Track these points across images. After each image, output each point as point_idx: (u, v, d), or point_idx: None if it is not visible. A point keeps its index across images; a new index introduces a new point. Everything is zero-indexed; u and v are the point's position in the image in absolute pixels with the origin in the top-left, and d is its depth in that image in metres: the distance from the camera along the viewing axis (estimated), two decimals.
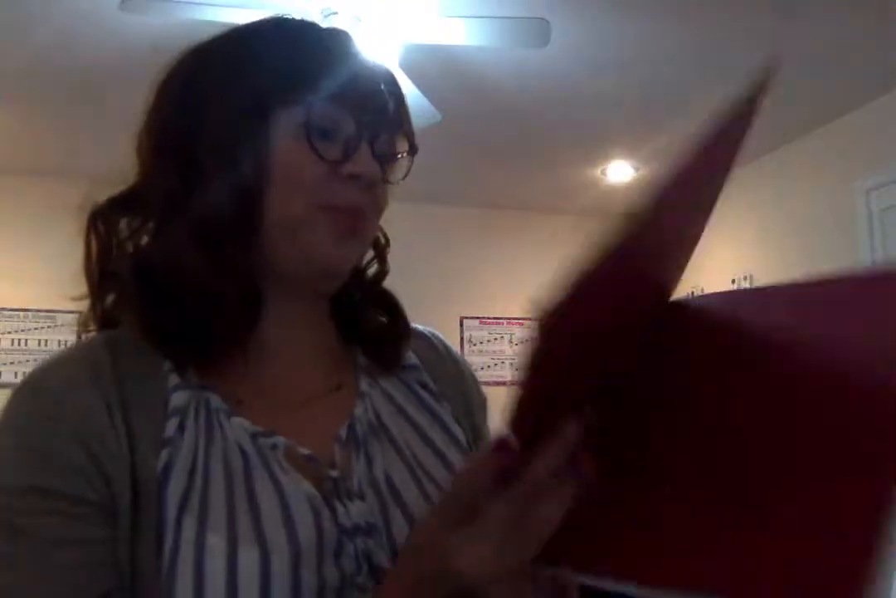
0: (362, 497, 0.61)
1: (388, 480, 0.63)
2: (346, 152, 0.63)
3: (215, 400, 0.62)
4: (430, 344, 0.79)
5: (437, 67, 3.05)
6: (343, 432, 0.64)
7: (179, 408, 0.59)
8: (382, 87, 0.66)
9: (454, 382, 0.76)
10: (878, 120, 3.45)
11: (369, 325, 0.73)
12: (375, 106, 0.65)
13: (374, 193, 0.65)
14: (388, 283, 0.75)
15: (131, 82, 3.21)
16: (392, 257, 0.75)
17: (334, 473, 0.61)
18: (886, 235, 3.41)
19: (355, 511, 0.60)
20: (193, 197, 0.61)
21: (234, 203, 0.61)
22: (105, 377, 0.58)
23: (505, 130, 3.79)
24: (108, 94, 3.27)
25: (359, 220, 0.64)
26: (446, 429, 0.71)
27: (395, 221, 0.76)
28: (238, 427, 0.61)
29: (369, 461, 0.64)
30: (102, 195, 0.65)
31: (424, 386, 0.73)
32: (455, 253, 4.96)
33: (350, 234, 0.64)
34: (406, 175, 0.69)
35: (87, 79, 3.20)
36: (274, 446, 0.61)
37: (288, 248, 0.63)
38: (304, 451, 0.61)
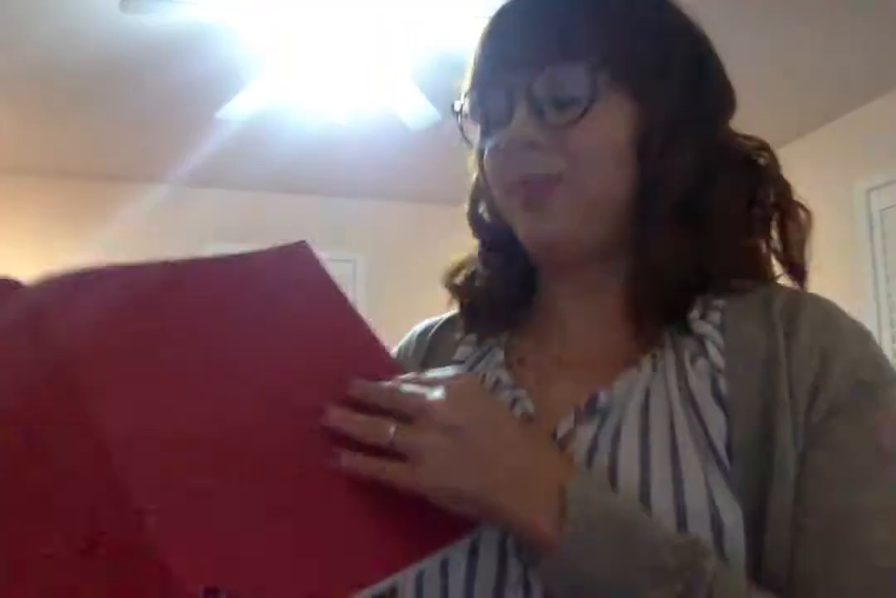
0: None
1: (613, 456, 0.56)
2: (485, 129, 0.64)
3: (498, 354, 0.68)
4: (767, 306, 0.63)
5: (447, 72, 3.05)
6: (583, 403, 0.59)
7: (461, 360, 0.69)
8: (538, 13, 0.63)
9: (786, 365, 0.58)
10: (878, 120, 3.45)
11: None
12: (515, 52, 0.63)
13: (527, 155, 0.60)
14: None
15: (131, 82, 3.23)
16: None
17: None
18: (886, 235, 3.40)
19: None
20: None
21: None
22: (425, 340, 0.74)
23: None
24: (108, 94, 3.27)
25: (530, 188, 0.61)
26: (704, 432, 0.56)
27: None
28: (493, 378, 0.65)
29: (596, 436, 0.57)
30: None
31: (711, 368, 0.58)
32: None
33: (527, 205, 0.62)
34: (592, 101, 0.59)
35: (87, 78, 3.20)
36: (514, 401, 0.62)
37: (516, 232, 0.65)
38: (528, 409, 0.61)
